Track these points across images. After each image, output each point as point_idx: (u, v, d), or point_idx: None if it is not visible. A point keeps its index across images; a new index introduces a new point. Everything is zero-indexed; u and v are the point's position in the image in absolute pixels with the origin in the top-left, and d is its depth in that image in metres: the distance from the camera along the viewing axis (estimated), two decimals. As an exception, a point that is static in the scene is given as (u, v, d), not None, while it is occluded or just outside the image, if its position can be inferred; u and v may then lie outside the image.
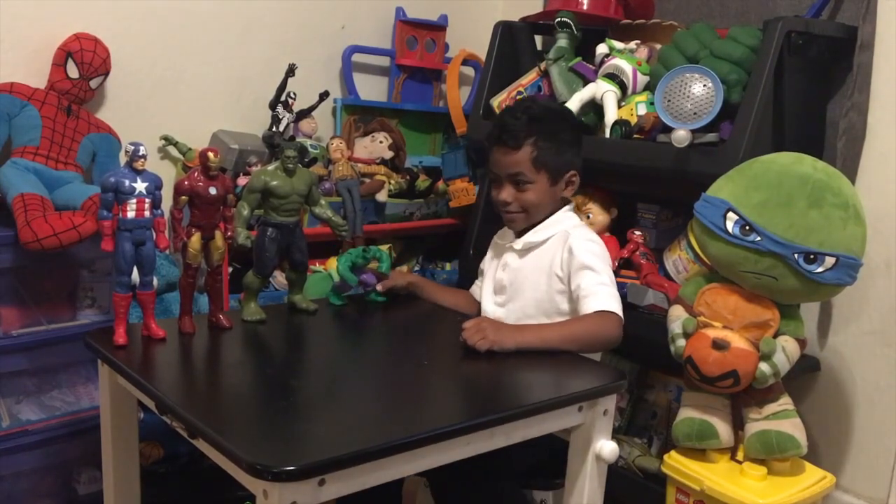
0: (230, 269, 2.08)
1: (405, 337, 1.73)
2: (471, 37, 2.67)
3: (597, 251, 1.69)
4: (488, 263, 1.88)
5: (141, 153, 1.40)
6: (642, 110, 1.97)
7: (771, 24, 1.75)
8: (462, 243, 2.35)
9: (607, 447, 1.44)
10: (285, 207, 1.62)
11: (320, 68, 2.47)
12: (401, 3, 2.58)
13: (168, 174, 2.14)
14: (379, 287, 1.82)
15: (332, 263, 2.00)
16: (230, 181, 1.55)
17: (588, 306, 1.61)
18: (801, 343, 1.58)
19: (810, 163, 1.56)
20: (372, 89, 2.59)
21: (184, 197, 1.47)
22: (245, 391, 1.37)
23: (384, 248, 2.00)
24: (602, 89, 2.02)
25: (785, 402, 1.60)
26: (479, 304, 1.85)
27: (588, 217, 2.07)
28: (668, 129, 1.79)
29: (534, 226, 1.76)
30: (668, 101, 1.79)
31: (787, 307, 1.59)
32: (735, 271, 1.58)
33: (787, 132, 1.83)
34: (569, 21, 2.15)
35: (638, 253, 2.02)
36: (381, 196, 2.29)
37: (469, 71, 2.76)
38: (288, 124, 2.21)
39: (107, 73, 2.00)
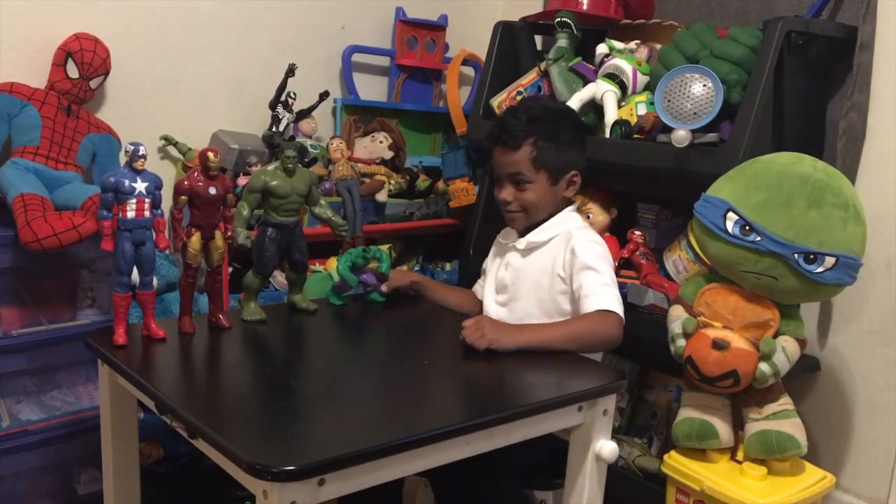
0: (230, 269, 2.08)
1: (405, 337, 1.73)
2: (471, 37, 2.67)
3: (599, 252, 1.69)
4: (491, 262, 1.88)
5: (141, 153, 1.40)
6: (642, 110, 1.97)
7: (771, 24, 1.75)
8: (462, 243, 2.35)
9: (607, 447, 1.44)
10: (285, 207, 1.62)
11: (320, 68, 2.47)
12: (401, 3, 2.58)
13: (168, 174, 2.14)
14: (383, 288, 1.82)
15: (332, 263, 2.00)
16: (230, 181, 1.55)
17: (589, 305, 1.61)
18: (801, 343, 1.58)
19: (810, 163, 1.56)
20: (372, 89, 2.59)
21: (184, 197, 1.47)
22: (245, 391, 1.37)
23: (384, 248, 2.00)
24: (602, 89, 2.01)
25: (785, 402, 1.60)
26: (482, 304, 1.86)
27: (588, 217, 2.06)
28: (668, 129, 1.79)
29: (536, 225, 1.76)
30: (668, 101, 1.79)
31: (787, 307, 1.59)
32: (735, 271, 1.57)
33: (787, 132, 1.83)
34: (569, 21, 2.15)
35: (638, 253, 2.02)
36: (381, 196, 2.29)
37: (469, 71, 2.76)
38: (288, 124, 2.21)
39: (107, 73, 2.00)
